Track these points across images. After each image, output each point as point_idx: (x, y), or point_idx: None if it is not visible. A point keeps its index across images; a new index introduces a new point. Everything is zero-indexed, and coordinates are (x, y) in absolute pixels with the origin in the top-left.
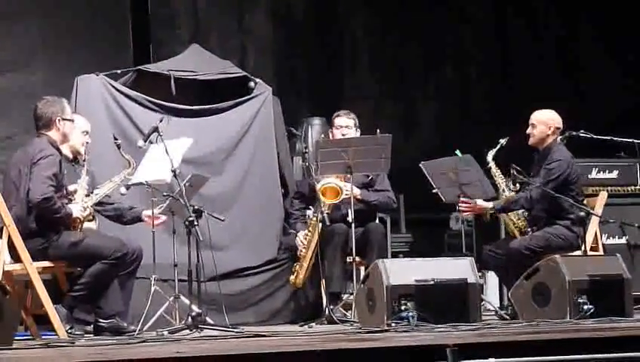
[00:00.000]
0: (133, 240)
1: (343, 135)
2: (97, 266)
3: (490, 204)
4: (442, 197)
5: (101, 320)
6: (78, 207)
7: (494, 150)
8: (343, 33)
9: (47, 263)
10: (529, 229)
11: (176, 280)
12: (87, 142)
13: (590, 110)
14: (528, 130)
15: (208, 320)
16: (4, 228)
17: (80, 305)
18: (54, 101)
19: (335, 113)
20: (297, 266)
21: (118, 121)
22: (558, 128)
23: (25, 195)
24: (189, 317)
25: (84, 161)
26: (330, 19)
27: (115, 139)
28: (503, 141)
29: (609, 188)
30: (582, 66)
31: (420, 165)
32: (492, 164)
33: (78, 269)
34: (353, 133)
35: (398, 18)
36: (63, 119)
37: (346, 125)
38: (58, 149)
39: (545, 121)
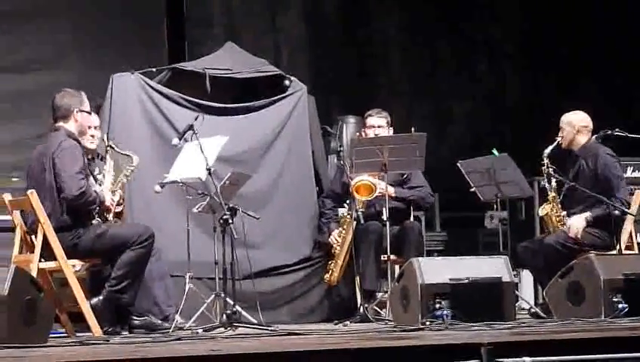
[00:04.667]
0: (168, 240)
1: (375, 134)
2: (128, 254)
3: (583, 223)
4: (480, 196)
5: (134, 317)
6: (108, 194)
7: (551, 147)
8: (376, 31)
9: (78, 262)
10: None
11: (217, 278)
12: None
13: (627, 108)
14: (559, 134)
15: (247, 317)
16: (39, 225)
17: (121, 297)
18: (73, 93)
19: (367, 112)
20: (332, 264)
21: (153, 118)
22: (584, 127)
23: (54, 191)
24: (224, 315)
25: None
26: (362, 18)
27: (109, 140)
28: (559, 138)
29: None
30: (618, 64)
31: (458, 164)
32: (547, 161)
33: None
34: (386, 131)
35: (429, 15)
36: (81, 111)
37: (378, 125)
38: (77, 140)
39: (569, 122)
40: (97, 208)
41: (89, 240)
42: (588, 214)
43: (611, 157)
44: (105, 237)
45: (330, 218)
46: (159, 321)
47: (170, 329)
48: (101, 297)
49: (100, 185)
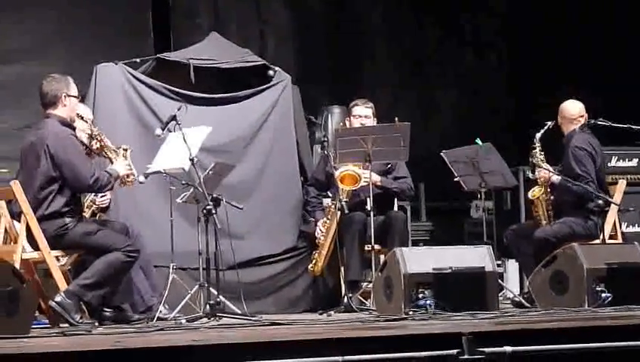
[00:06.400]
0: (151, 231)
1: (361, 124)
2: (112, 255)
3: (556, 179)
4: (464, 186)
5: (105, 309)
6: (121, 164)
7: (542, 131)
8: (362, 21)
9: (59, 253)
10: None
11: (201, 269)
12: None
13: (615, 98)
14: None
15: (231, 307)
16: (23, 215)
17: (89, 293)
18: (59, 78)
19: (353, 102)
20: (316, 254)
21: (136, 109)
22: (563, 117)
23: (51, 182)
24: (208, 306)
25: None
26: (349, 7)
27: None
28: (549, 123)
29: (628, 176)
30: (605, 53)
31: (442, 153)
32: (538, 145)
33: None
34: (371, 121)
35: (416, 5)
36: (68, 95)
37: (364, 115)
38: (69, 126)
39: (559, 113)
40: (114, 182)
41: (76, 235)
42: (560, 177)
43: (579, 150)
44: (92, 237)
45: (315, 206)
46: (131, 313)
47: (144, 320)
48: (63, 293)
49: (104, 157)
